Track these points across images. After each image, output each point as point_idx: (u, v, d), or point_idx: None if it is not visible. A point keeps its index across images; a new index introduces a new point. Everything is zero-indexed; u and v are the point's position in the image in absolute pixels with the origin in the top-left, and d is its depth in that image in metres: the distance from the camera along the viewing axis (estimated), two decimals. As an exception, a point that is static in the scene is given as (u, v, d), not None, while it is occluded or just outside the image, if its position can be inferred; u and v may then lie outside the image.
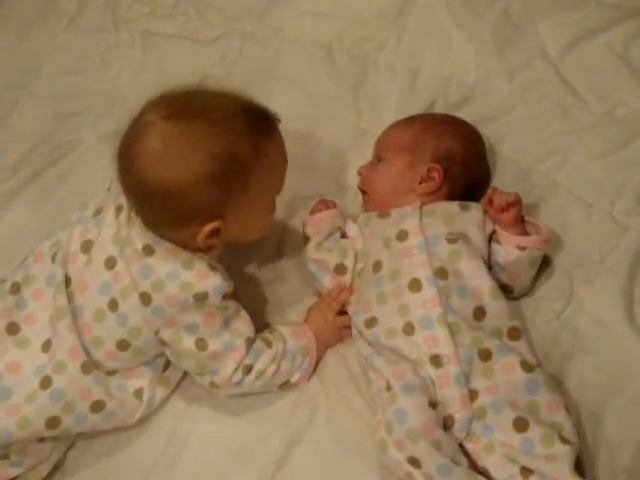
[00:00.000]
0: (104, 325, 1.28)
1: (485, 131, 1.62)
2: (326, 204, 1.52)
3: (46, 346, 1.29)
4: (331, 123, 1.73)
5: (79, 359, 1.28)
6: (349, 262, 1.43)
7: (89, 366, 1.28)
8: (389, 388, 1.25)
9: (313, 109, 1.76)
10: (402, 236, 1.38)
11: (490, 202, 1.41)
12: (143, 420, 1.37)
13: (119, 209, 1.31)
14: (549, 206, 1.54)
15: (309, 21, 1.89)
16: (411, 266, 1.34)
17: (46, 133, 1.80)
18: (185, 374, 1.40)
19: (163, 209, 1.22)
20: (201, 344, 1.29)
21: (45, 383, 1.27)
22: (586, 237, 1.50)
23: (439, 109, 1.70)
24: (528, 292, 1.46)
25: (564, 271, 1.47)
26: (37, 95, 1.87)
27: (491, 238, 1.42)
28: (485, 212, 1.43)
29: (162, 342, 1.30)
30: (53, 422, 1.27)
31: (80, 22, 1.98)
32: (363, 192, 1.56)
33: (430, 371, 1.27)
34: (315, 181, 1.65)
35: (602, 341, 1.38)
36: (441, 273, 1.33)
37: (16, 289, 1.33)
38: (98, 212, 1.35)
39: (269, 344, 1.35)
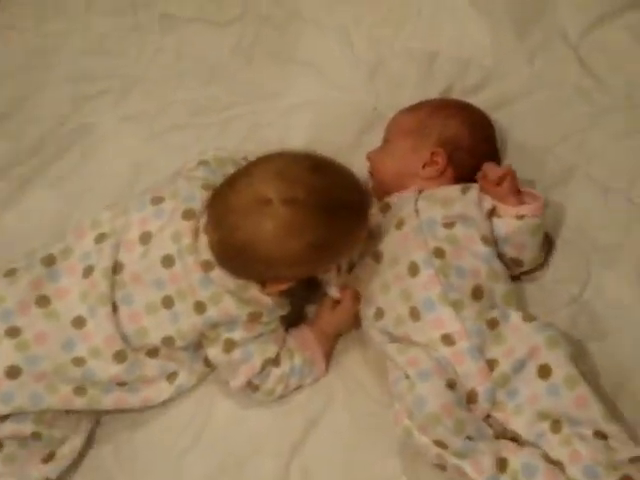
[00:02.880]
0: (155, 318, 1.30)
1: (503, 114, 1.62)
2: None
3: (76, 322, 1.30)
4: (348, 107, 1.73)
5: (113, 347, 1.29)
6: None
7: (123, 355, 1.30)
8: (407, 376, 1.26)
9: (330, 93, 1.76)
10: (399, 224, 1.39)
11: (485, 177, 1.42)
12: (165, 403, 1.39)
13: (188, 214, 1.30)
14: (567, 189, 1.54)
15: (326, 4, 1.88)
16: (408, 250, 1.35)
17: (65, 115, 1.80)
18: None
19: (246, 268, 1.27)
20: (229, 344, 1.31)
21: (78, 362, 1.29)
22: (604, 220, 1.49)
23: (456, 92, 1.69)
24: (541, 267, 1.46)
25: (581, 255, 1.46)
26: (56, 77, 1.87)
27: (492, 214, 1.42)
28: (482, 188, 1.43)
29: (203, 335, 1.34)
30: (81, 391, 1.30)
31: (98, 5, 1.97)
32: (371, 175, 1.56)
33: (444, 351, 1.27)
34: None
35: (620, 325, 1.38)
36: (438, 252, 1.33)
37: (51, 261, 1.34)
38: (157, 201, 1.34)
39: (277, 362, 1.36)
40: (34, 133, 1.77)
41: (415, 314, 1.31)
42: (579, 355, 1.31)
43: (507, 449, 1.21)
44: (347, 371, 1.41)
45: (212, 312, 1.28)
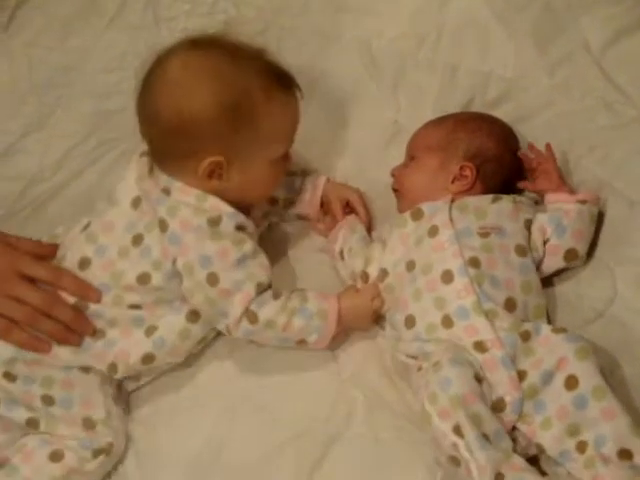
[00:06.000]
0: (127, 259, 1.33)
1: (525, 126, 1.61)
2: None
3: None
4: (370, 120, 1.73)
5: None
6: (372, 269, 1.44)
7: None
8: (437, 363, 1.25)
9: (352, 105, 1.76)
10: (433, 232, 1.39)
11: (539, 167, 1.49)
12: (181, 420, 1.40)
13: (143, 153, 1.39)
14: (591, 203, 1.52)
15: (348, 17, 1.87)
16: (442, 258, 1.35)
17: (88, 131, 1.82)
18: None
19: (171, 135, 1.29)
20: (212, 278, 1.31)
21: None
22: (630, 234, 1.47)
23: (478, 105, 1.68)
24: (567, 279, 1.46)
25: (607, 268, 1.44)
26: (79, 93, 1.89)
27: (530, 225, 1.43)
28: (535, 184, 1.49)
29: (178, 274, 1.33)
30: None
31: (121, 20, 1.99)
32: (396, 192, 1.56)
33: (477, 356, 1.27)
34: (353, 178, 1.65)
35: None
36: (473, 262, 1.34)
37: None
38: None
39: (277, 295, 1.35)
40: (57, 150, 1.79)
41: (447, 322, 1.31)
42: (609, 369, 1.30)
43: (511, 466, 1.19)
44: (367, 385, 1.40)
45: (174, 225, 1.30)
